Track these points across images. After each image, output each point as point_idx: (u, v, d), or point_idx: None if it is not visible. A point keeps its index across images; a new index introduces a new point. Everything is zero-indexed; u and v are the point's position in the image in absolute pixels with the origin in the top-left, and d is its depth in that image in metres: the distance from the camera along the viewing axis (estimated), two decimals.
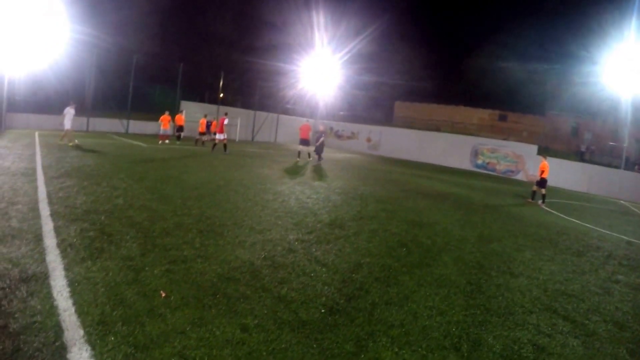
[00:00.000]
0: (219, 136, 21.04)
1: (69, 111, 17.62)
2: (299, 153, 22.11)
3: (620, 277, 7.18)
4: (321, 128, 22.69)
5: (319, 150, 21.98)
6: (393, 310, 4.45)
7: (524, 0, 66.73)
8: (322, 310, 4.20)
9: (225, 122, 21.16)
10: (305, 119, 29.61)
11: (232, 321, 3.72)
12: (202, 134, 25.56)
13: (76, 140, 17.35)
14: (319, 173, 16.98)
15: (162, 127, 24.05)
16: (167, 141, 23.41)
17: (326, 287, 4.82)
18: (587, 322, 4.92)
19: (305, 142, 22.04)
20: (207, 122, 27.56)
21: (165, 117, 24.14)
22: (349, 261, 5.91)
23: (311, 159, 22.39)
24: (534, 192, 17.20)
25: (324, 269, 5.42)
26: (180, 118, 25.57)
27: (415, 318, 4.34)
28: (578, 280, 6.62)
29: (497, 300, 5.17)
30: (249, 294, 4.34)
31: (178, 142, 24.38)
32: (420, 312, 4.50)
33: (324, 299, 4.50)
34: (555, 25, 49.04)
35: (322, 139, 22.16)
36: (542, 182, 16.60)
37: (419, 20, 67.52)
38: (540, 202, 16.51)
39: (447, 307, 4.75)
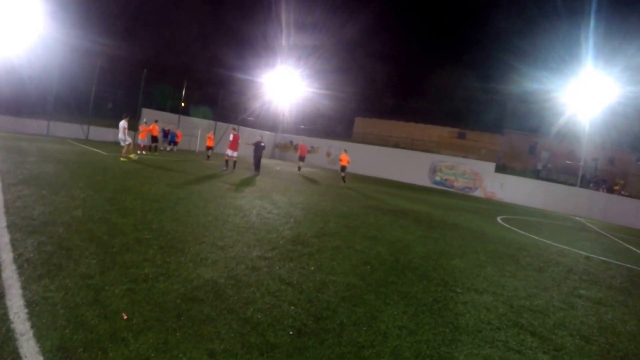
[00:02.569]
0: (233, 153, 20.53)
1: (124, 124, 17.31)
2: (299, 167, 29.73)
3: (582, 291, 7.41)
4: (259, 138, 22.11)
5: (256, 163, 21.38)
6: (362, 331, 4.38)
7: (484, 21, 68.88)
8: (291, 332, 4.10)
9: (239, 139, 21.10)
10: (268, 132, 30.47)
11: (198, 346, 3.57)
12: (209, 148, 27.07)
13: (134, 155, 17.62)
14: (279, 188, 16.91)
15: (139, 137, 23.48)
16: (144, 152, 22.90)
17: (292, 308, 4.70)
18: (554, 337, 5.01)
19: (302, 158, 29.86)
20: (169, 131, 27.50)
21: (145, 127, 23.77)
22: (313, 280, 5.80)
23: (301, 171, 28.42)
24: (343, 178, 24.37)
25: (289, 288, 5.30)
26: (155, 128, 25.09)
27: (385, 338, 4.30)
28: (542, 295, 6.76)
29: (465, 318, 5.19)
30: (215, 316, 4.19)
31: (156, 153, 23.93)
32: (390, 332, 4.46)
33: (291, 320, 4.39)
34: (514, 46, 50.67)
35: (253, 148, 21.48)
36: (342, 168, 24.54)
37: (381, 37, 68.77)
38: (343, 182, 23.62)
39: (416, 326, 4.72)
